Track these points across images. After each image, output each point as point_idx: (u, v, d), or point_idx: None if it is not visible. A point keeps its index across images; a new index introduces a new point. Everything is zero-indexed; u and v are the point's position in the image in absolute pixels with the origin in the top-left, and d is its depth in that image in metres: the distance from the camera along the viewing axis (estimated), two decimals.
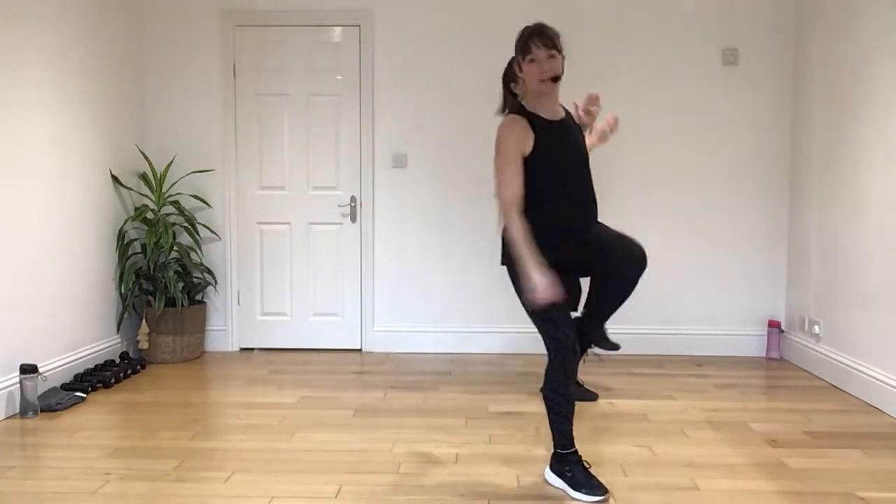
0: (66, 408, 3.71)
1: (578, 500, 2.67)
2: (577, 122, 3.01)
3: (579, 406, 3.78)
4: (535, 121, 2.70)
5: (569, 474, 2.74)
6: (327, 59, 4.96)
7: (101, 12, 4.44)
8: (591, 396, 3.90)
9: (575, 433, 3.40)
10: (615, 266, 2.86)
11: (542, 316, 2.68)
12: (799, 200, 4.74)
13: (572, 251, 2.77)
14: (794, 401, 3.90)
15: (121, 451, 3.12)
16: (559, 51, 2.74)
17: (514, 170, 2.69)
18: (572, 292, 2.99)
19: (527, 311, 2.74)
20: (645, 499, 2.65)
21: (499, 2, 4.90)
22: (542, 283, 2.56)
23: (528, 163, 2.71)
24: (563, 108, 2.86)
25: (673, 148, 4.91)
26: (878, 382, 3.76)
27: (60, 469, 2.92)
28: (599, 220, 2.93)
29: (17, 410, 3.63)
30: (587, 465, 2.77)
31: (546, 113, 2.74)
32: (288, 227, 5.06)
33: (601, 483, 2.70)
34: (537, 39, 2.72)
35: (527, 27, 2.79)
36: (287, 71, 4.97)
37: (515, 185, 2.68)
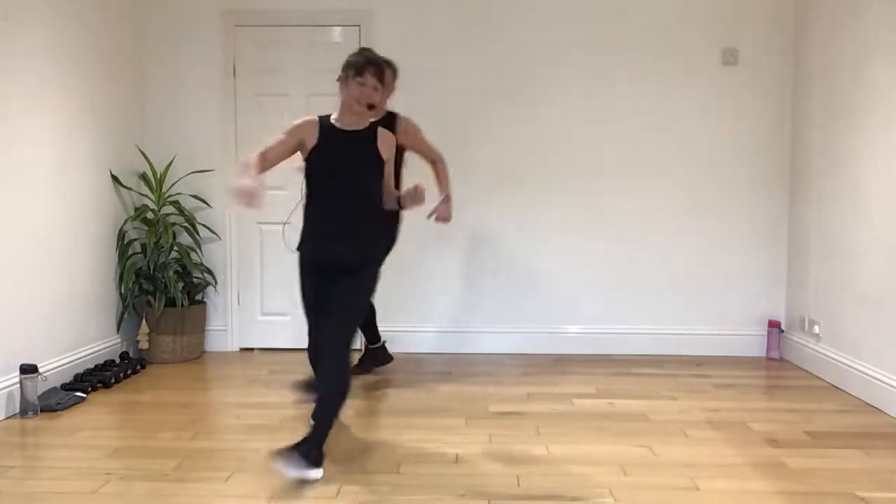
0: (66, 408, 3.71)
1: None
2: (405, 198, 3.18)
3: (580, 405, 3.79)
4: (325, 125, 3.09)
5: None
6: (327, 59, 4.96)
7: (102, 12, 4.44)
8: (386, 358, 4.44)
9: (575, 433, 3.41)
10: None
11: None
12: (799, 200, 4.74)
13: (314, 253, 3.08)
14: (794, 401, 3.90)
15: (121, 451, 3.12)
16: (384, 84, 3.13)
17: (277, 141, 3.07)
18: (317, 293, 3.09)
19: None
20: (645, 499, 2.65)
21: (499, 2, 4.90)
22: (240, 185, 2.72)
23: (307, 159, 3.08)
24: (376, 126, 3.13)
25: (672, 147, 4.92)
26: (878, 382, 3.76)
27: (60, 469, 2.92)
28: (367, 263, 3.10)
29: (17, 410, 3.63)
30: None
31: (342, 123, 3.09)
32: (288, 228, 5.05)
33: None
34: (368, 68, 3.03)
35: (364, 54, 3.10)
36: (287, 71, 4.97)
37: (265, 148, 3.05)
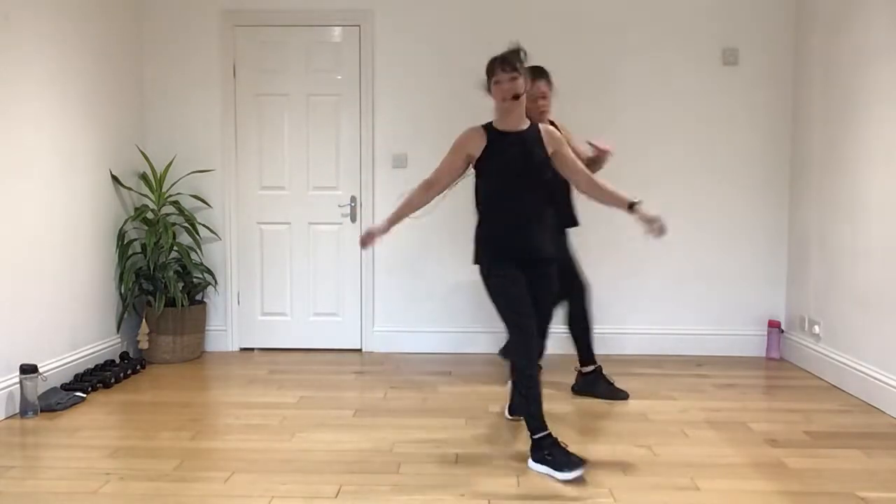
0: (66, 408, 3.71)
1: (564, 479, 2.78)
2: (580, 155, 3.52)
3: (580, 405, 3.79)
4: (490, 131, 3.19)
5: (549, 458, 2.88)
6: (327, 59, 4.96)
7: (102, 12, 4.44)
8: (622, 395, 3.92)
9: (575, 433, 3.40)
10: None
11: (499, 302, 3.10)
12: (799, 200, 4.74)
13: (511, 252, 3.15)
14: (794, 401, 3.90)
15: (121, 451, 3.12)
16: (519, 72, 3.13)
17: (447, 161, 3.25)
18: (513, 288, 3.13)
19: (490, 298, 3.13)
20: (645, 499, 2.65)
21: (499, 2, 4.90)
22: (368, 231, 3.22)
23: (477, 166, 3.20)
24: (534, 124, 3.24)
25: (673, 148, 4.92)
26: (877, 382, 3.76)
27: (60, 469, 2.92)
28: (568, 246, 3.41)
29: (17, 410, 3.63)
30: (563, 445, 2.92)
31: (504, 125, 3.20)
32: (288, 227, 5.06)
33: (579, 457, 2.85)
34: (497, 66, 3.14)
35: (496, 57, 3.18)
36: (287, 71, 4.97)
37: (437, 172, 3.26)
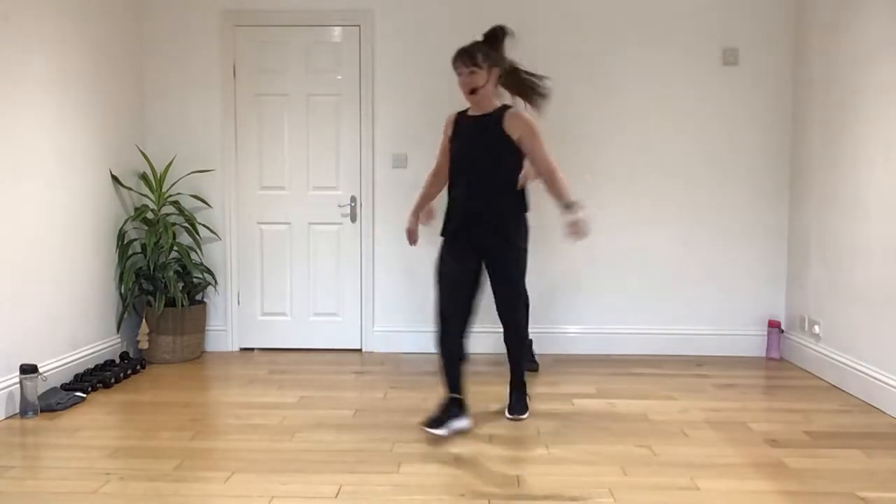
0: (66, 408, 3.71)
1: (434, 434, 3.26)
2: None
3: (580, 405, 3.79)
4: (459, 114, 3.51)
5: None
6: (327, 59, 4.96)
7: (102, 12, 4.44)
8: (532, 367, 4.46)
9: (575, 433, 3.41)
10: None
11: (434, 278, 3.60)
12: (799, 200, 4.74)
13: (457, 231, 3.41)
14: (794, 401, 3.90)
15: (121, 451, 3.12)
16: (478, 66, 3.32)
17: (441, 145, 3.59)
18: (460, 267, 3.42)
19: None
20: (645, 499, 2.65)
21: (499, 2, 4.90)
22: (407, 230, 3.68)
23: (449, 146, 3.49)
24: (502, 107, 3.41)
25: (673, 147, 4.92)
26: (877, 382, 3.76)
27: (60, 469, 2.92)
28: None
29: (17, 410, 3.63)
30: (450, 406, 3.37)
31: (471, 111, 3.46)
32: (288, 227, 5.06)
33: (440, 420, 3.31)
34: (458, 60, 3.36)
35: (458, 49, 3.42)
36: (287, 71, 4.97)
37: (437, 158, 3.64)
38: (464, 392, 3.44)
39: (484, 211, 3.37)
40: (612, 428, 3.43)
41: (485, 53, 3.32)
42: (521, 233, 3.47)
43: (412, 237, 3.66)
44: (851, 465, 2.97)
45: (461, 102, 4.94)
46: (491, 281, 3.46)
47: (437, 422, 3.30)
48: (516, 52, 4.93)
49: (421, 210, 3.63)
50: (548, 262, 4.98)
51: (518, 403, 3.61)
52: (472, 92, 3.30)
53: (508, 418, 3.56)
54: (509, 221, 3.41)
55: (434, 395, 3.98)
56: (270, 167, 5.02)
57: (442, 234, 3.48)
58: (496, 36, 3.41)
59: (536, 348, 4.96)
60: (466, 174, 3.37)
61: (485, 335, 5.00)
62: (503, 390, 4.08)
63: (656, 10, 4.86)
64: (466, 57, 3.30)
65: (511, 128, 3.32)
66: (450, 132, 3.48)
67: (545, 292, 4.99)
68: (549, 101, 3.63)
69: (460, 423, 3.37)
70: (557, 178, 3.38)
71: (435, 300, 3.44)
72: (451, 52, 4.93)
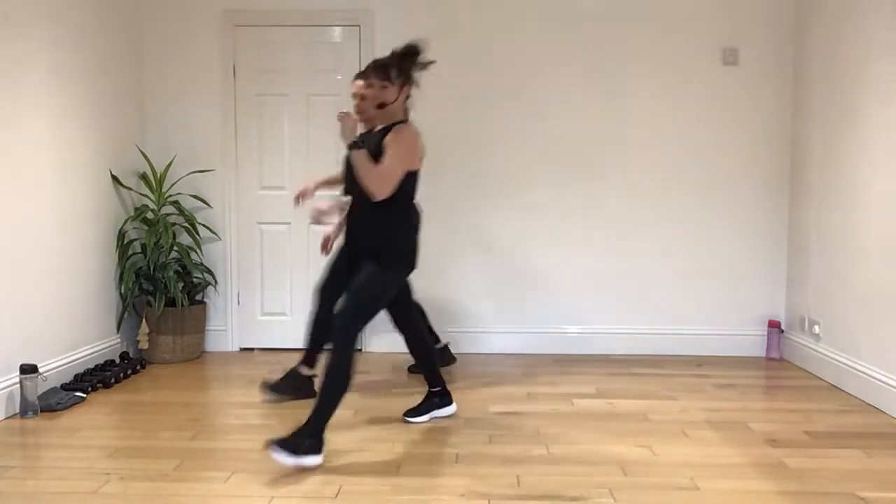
0: (66, 408, 3.71)
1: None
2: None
3: (580, 405, 3.79)
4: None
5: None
6: (327, 59, 4.96)
7: (101, 12, 4.44)
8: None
9: (575, 433, 3.41)
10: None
11: None
12: (799, 200, 4.74)
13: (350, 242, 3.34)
14: (794, 401, 3.90)
15: (121, 451, 3.12)
16: (390, 81, 3.15)
17: None
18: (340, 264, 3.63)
19: None
20: (645, 499, 2.65)
21: (499, 3, 4.90)
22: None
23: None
24: (398, 122, 3.20)
25: (672, 147, 4.92)
26: (877, 382, 3.76)
27: (60, 469, 2.92)
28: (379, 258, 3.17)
29: (17, 410, 3.63)
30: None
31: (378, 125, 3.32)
32: (288, 228, 5.06)
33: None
34: (370, 73, 3.20)
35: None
36: (287, 71, 4.97)
37: None
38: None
39: (360, 229, 3.23)
40: (612, 428, 3.43)
41: (398, 67, 3.14)
42: (395, 254, 3.14)
43: (301, 198, 3.74)
44: (851, 465, 2.97)
45: (460, 102, 4.96)
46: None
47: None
48: (513, 54, 4.95)
49: (323, 186, 3.84)
50: (547, 263, 4.98)
51: (294, 438, 2.89)
52: (381, 107, 3.16)
53: (273, 453, 2.88)
54: (382, 240, 3.14)
55: None
56: (270, 167, 5.02)
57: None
58: (411, 53, 3.15)
59: (540, 349, 4.97)
60: (351, 191, 3.27)
61: (484, 335, 5.00)
62: (505, 391, 4.08)
63: (656, 11, 4.86)
64: (380, 71, 3.14)
65: (387, 141, 3.08)
66: None
67: (545, 292, 4.99)
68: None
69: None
70: (369, 169, 2.98)
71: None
72: (451, 51, 4.97)
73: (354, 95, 3.77)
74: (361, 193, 3.13)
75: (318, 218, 3.83)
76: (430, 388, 3.59)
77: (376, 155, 3.07)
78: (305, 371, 3.86)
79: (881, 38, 3.77)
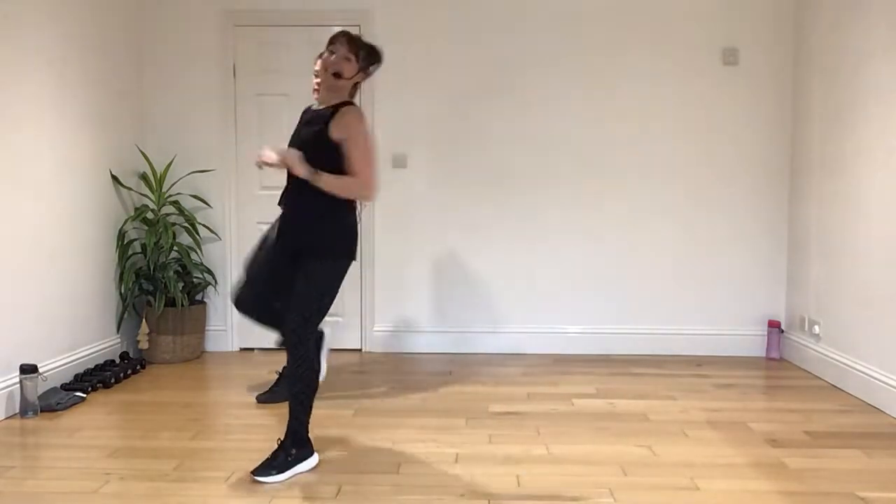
0: (66, 408, 3.71)
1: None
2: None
3: (580, 405, 3.79)
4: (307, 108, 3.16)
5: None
6: None
7: (101, 12, 4.44)
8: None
9: (575, 433, 3.41)
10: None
11: None
12: (799, 200, 4.74)
13: (277, 226, 3.09)
14: (794, 401, 3.90)
15: (121, 451, 3.12)
16: (356, 56, 2.99)
17: None
18: (268, 258, 3.15)
19: None
20: (645, 499, 2.65)
21: (499, 2, 4.90)
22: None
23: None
24: (340, 104, 2.97)
25: (673, 147, 4.92)
26: (878, 382, 3.76)
27: (60, 469, 2.92)
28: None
29: (17, 410, 3.63)
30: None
31: (318, 102, 3.09)
32: None
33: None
34: (339, 39, 3.01)
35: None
36: (287, 71, 4.97)
37: None
38: None
39: (292, 214, 3.01)
40: (612, 428, 3.43)
41: (367, 52, 3.01)
42: (334, 240, 2.95)
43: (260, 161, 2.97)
44: (851, 465, 2.97)
45: (460, 102, 4.96)
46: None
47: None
48: (513, 54, 4.95)
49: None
50: (547, 263, 4.98)
51: (278, 458, 2.85)
52: (336, 76, 2.93)
53: (261, 478, 2.82)
54: (317, 224, 2.93)
55: (434, 395, 3.98)
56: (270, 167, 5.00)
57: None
58: (376, 51, 3.06)
59: (540, 349, 4.97)
60: (289, 182, 3.00)
61: (484, 335, 5.00)
62: (505, 391, 4.08)
63: (656, 10, 4.86)
64: (351, 42, 2.97)
65: (336, 127, 2.88)
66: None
67: (545, 292, 4.99)
68: None
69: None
70: (347, 187, 2.89)
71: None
72: (451, 51, 4.98)
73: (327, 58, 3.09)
74: (300, 185, 2.90)
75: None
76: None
77: (322, 134, 2.88)
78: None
79: (881, 38, 3.77)
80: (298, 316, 2.88)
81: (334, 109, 2.93)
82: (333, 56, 2.97)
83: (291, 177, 2.93)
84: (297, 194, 2.95)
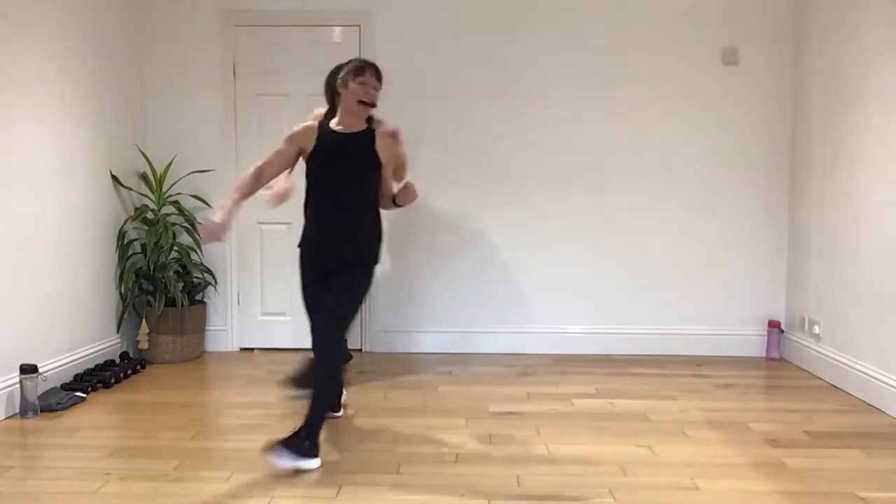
0: (66, 408, 3.71)
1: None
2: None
3: (580, 405, 3.79)
4: (324, 129, 3.16)
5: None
6: (327, 59, 4.94)
7: (102, 12, 4.44)
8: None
9: (575, 433, 3.41)
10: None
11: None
12: (799, 200, 4.74)
13: (316, 250, 3.17)
14: (794, 401, 3.90)
15: (121, 451, 3.12)
16: (376, 88, 3.18)
17: (276, 152, 3.15)
18: (318, 281, 3.20)
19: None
20: (645, 499, 2.65)
21: (498, 3, 4.90)
22: (211, 221, 2.92)
23: (307, 161, 3.14)
24: (371, 128, 3.23)
25: (672, 148, 4.92)
26: (877, 382, 3.76)
27: (60, 469, 2.92)
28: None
29: (17, 410, 3.63)
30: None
31: (341, 127, 3.18)
32: (288, 227, 5.06)
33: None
34: (373, 71, 3.17)
35: (362, 59, 3.23)
36: (287, 71, 4.97)
37: (263, 161, 3.14)
38: None
39: (350, 228, 3.15)
40: (612, 428, 3.43)
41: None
42: (378, 250, 3.23)
43: (213, 234, 2.95)
44: (851, 465, 2.97)
45: (460, 102, 4.96)
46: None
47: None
48: (513, 54, 4.95)
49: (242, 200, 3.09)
50: (547, 263, 4.98)
51: (294, 440, 2.91)
52: (373, 106, 3.17)
53: (273, 455, 2.89)
54: (370, 237, 3.21)
55: (433, 395, 3.98)
56: None
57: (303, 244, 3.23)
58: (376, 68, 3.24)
59: (540, 349, 4.97)
60: (335, 192, 3.13)
61: (484, 335, 5.01)
62: (505, 391, 4.08)
63: (656, 11, 4.86)
64: (377, 70, 3.19)
65: (398, 152, 3.30)
66: (310, 144, 3.13)
67: (545, 292, 4.99)
68: None
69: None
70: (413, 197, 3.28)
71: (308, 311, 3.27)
72: (451, 52, 4.98)
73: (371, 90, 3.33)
74: (359, 200, 3.13)
75: (282, 199, 3.64)
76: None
77: (366, 154, 3.12)
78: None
79: (881, 38, 3.77)
80: (338, 322, 3.04)
81: (370, 132, 3.18)
82: (367, 89, 3.13)
83: (349, 192, 3.11)
84: (355, 209, 3.13)
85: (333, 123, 3.19)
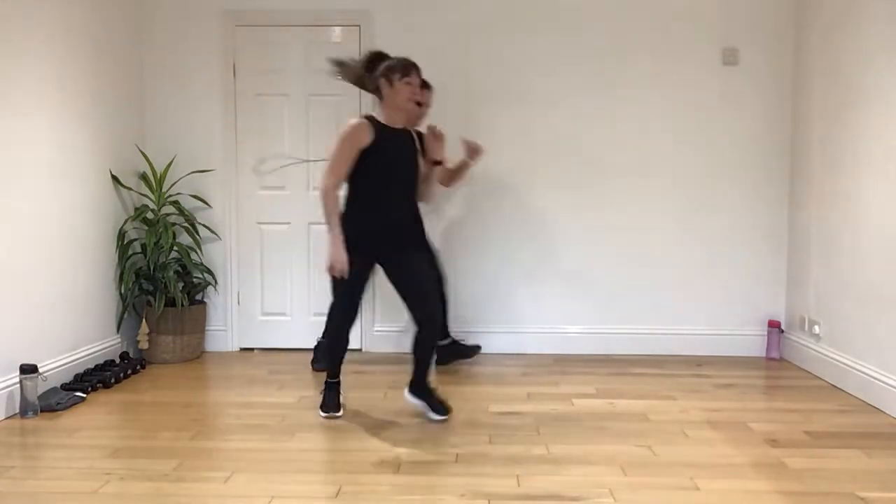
0: (66, 408, 3.71)
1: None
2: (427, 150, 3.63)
3: (580, 405, 3.79)
4: (376, 124, 3.38)
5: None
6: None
7: (101, 12, 4.44)
8: (469, 351, 4.65)
9: (575, 433, 3.40)
10: (413, 312, 3.51)
11: (333, 281, 3.47)
12: (799, 200, 4.74)
13: (374, 244, 3.42)
14: (794, 401, 3.90)
15: (121, 451, 3.12)
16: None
17: (341, 160, 3.34)
18: (361, 276, 3.47)
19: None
20: (645, 499, 2.65)
21: (499, 3, 4.90)
22: (337, 260, 3.35)
23: (363, 157, 3.34)
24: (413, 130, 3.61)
25: (673, 148, 4.92)
26: (877, 382, 3.76)
27: (60, 469, 2.92)
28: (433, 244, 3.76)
29: (17, 410, 3.63)
30: (338, 391, 3.64)
31: (392, 123, 3.43)
32: (288, 227, 5.06)
33: (339, 404, 3.61)
34: (417, 70, 3.39)
35: (406, 59, 3.42)
36: (287, 71, 4.97)
37: (332, 175, 3.36)
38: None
39: (411, 218, 3.59)
40: (612, 428, 3.43)
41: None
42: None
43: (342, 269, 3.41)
44: (851, 465, 2.97)
45: (460, 102, 4.96)
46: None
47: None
48: (513, 54, 4.95)
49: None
50: (547, 262, 4.98)
51: (425, 392, 3.62)
52: (420, 105, 3.46)
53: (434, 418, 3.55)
54: (421, 223, 3.77)
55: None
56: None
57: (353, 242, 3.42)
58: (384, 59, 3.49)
59: (540, 349, 4.97)
60: (398, 190, 3.46)
61: (484, 335, 5.00)
62: (505, 391, 4.08)
63: (656, 10, 4.86)
64: (419, 71, 3.44)
65: (441, 151, 3.61)
66: (367, 140, 3.33)
67: (545, 292, 4.99)
68: None
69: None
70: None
71: (337, 297, 3.53)
72: (451, 51, 4.98)
73: (417, 90, 3.53)
74: (410, 191, 3.51)
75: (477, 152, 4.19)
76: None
77: (415, 151, 3.49)
78: (449, 340, 4.60)
79: (881, 37, 3.77)
80: (437, 298, 3.52)
81: (417, 133, 3.60)
82: (415, 88, 3.39)
83: (408, 185, 3.48)
84: (412, 200, 3.55)
85: (384, 119, 3.42)
